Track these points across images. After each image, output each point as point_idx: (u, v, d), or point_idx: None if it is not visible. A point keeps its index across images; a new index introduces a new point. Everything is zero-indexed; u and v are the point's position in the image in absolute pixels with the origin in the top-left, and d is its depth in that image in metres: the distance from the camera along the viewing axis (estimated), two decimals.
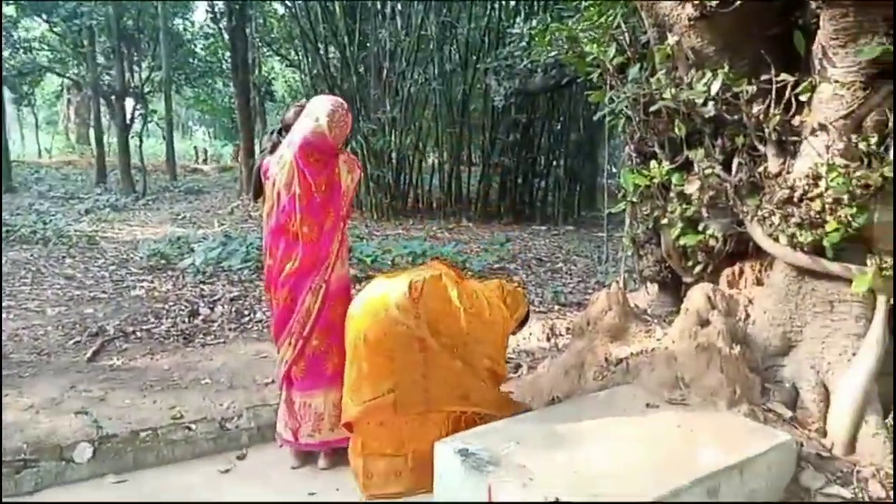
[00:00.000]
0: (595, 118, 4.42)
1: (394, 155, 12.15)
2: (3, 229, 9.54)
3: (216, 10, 17.46)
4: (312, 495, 2.95)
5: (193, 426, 3.40)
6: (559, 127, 12.82)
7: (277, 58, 21.48)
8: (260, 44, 16.95)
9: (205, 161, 27.85)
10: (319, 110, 3.05)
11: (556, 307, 6.19)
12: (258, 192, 3.26)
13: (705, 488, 2.40)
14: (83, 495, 2.89)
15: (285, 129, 3.23)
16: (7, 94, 19.61)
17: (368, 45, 12.09)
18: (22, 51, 18.65)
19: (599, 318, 3.69)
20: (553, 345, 4.89)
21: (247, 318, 5.61)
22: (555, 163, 13.04)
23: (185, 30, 21.20)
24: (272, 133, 3.38)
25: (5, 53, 18.53)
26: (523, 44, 8.92)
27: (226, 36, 16.92)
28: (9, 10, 17.41)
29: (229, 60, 17.39)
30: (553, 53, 7.00)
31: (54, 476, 2.97)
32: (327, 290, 3.13)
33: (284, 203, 3.03)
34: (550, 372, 3.89)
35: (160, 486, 2.98)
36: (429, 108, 13.02)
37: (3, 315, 5.64)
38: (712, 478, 2.42)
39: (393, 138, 12.02)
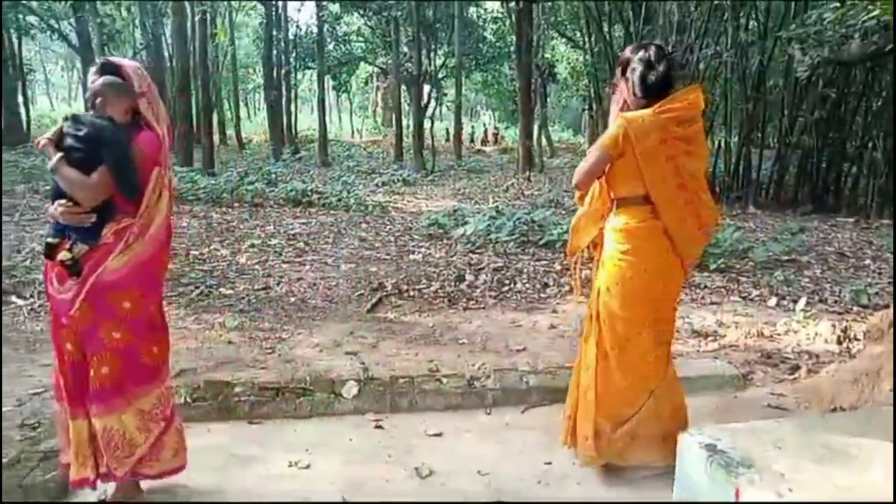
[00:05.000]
0: None
1: None
2: (317, 196, 11.09)
3: None
4: (549, 465, 2.91)
5: (445, 380, 3.58)
6: (879, 102, 10.91)
7: (562, 39, 21.63)
8: (545, 25, 17.18)
9: (483, 142, 29.28)
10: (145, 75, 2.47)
11: (855, 308, 5.32)
12: (137, 188, 2.34)
13: None
14: (346, 427, 3.21)
15: (109, 103, 2.38)
16: (329, 82, 22.68)
17: (655, 19, 11.52)
18: (342, 43, 21.43)
19: None
20: (844, 349, 4.20)
21: (507, 288, 5.76)
22: (871, 144, 11.14)
23: (477, 17, 22.40)
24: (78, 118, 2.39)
25: (329, 46, 21.44)
26: (836, 5, 7.71)
27: (513, 19, 17.45)
28: (334, 7, 20.08)
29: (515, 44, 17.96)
30: (875, 13, 5.96)
31: (325, 406, 3.35)
32: None
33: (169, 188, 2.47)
34: (836, 378, 3.36)
35: (410, 430, 3.19)
36: (718, 84, 12.01)
37: (307, 266, 6.55)
38: None
39: None
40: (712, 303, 5.49)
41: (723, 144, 12.25)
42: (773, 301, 5.50)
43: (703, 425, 2.59)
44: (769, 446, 2.31)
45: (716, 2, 10.80)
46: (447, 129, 25.80)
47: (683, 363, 4.03)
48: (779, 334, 4.58)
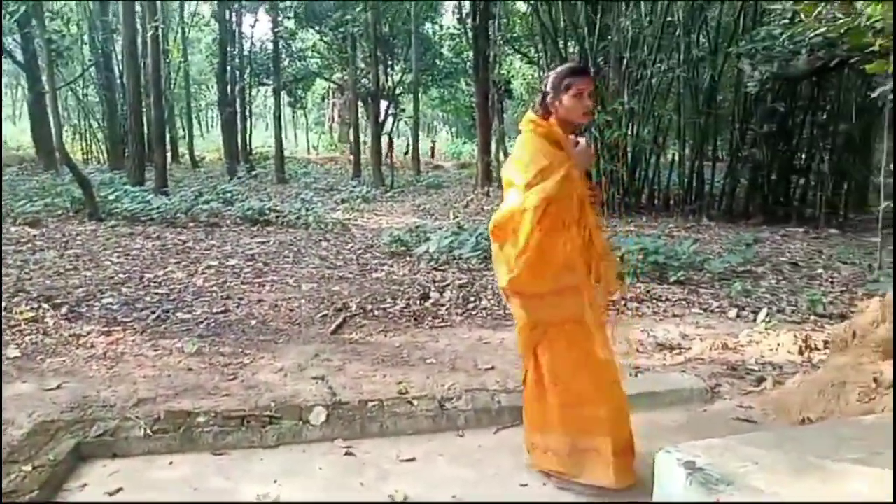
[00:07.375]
0: (875, 94, 3.74)
1: (629, 148, 11.67)
2: (275, 214, 10.92)
3: (463, 11, 18.26)
4: (524, 486, 2.87)
5: (415, 402, 3.51)
6: (825, 116, 11.35)
7: (518, 55, 21.89)
8: (501, 42, 17.35)
9: (432, 154, 29.48)
10: None
11: (812, 318, 5.44)
12: None
13: None
14: (315, 456, 3.11)
15: None
16: (285, 98, 22.49)
17: (609, 36, 11.74)
18: (298, 59, 21.28)
19: (869, 330, 3.11)
20: (806, 359, 4.28)
21: (472, 305, 5.73)
22: (818, 157, 11.54)
23: (433, 34, 22.54)
24: None
25: (285, 62, 21.30)
26: (785, 22, 7.98)
27: (470, 35, 17.58)
28: (289, 23, 19.97)
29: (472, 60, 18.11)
30: (821, 31, 6.15)
31: (293, 434, 3.24)
32: None
33: None
34: (801, 389, 3.40)
35: (382, 456, 3.11)
36: (671, 98, 12.30)
37: (268, 287, 6.40)
38: None
39: (629, 131, 11.54)
40: (674, 315, 5.54)
41: (676, 157, 12.52)
42: (733, 312, 5.59)
43: (679, 441, 2.58)
44: (747, 462, 2.31)
45: (668, 18, 11.07)
46: (407, 145, 25.85)
47: (651, 377, 4.06)
48: (742, 346, 4.64)
